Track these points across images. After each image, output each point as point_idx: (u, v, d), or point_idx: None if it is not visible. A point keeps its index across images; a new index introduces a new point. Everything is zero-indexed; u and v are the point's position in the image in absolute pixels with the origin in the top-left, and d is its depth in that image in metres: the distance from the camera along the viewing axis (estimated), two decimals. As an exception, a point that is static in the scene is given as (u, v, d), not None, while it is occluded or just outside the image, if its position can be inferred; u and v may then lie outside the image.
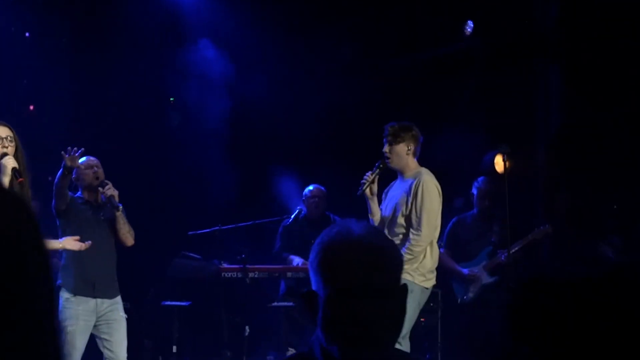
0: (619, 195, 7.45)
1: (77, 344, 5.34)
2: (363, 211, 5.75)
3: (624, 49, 7.25)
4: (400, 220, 5.57)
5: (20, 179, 4.62)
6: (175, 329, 7.14)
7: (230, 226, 7.43)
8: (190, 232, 7.41)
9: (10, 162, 4.70)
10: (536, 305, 1.09)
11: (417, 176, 5.58)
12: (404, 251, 5.39)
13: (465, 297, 6.91)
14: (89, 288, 5.45)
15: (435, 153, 6.31)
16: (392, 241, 1.90)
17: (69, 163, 5.17)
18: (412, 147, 5.61)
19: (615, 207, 7.47)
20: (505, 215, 6.09)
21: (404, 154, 5.61)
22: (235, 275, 7.09)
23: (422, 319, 6.67)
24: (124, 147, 7.98)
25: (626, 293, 1.07)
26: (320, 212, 7.50)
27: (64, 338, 5.24)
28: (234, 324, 7.35)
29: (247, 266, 7.04)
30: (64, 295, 5.42)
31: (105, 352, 5.51)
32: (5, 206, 0.89)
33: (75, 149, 5.18)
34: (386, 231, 5.52)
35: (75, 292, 5.40)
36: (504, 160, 6.12)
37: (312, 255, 1.77)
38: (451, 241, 7.04)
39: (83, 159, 5.47)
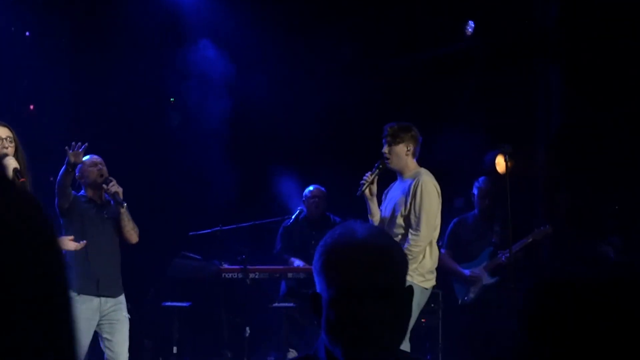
0: (619, 195, 7.45)
1: (80, 343, 5.31)
2: (363, 212, 5.74)
3: (624, 49, 7.25)
4: (399, 220, 5.56)
5: (22, 179, 4.62)
6: (176, 330, 7.13)
7: (230, 226, 7.43)
8: (191, 233, 7.41)
9: (11, 163, 4.69)
10: (552, 308, 1.10)
11: (416, 176, 5.57)
12: (403, 251, 5.38)
13: (466, 298, 6.90)
14: (92, 287, 5.42)
15: (436, 153, 6.31)
16: (397, 242, 1.89)
17: (72, 159, 5.13)
18: (411, 147, 5.60)
19: (615, 207, 7.46)
20: (506, 215, 6.09)
21: (403, 155, 5.60)
22: (235, 276, 7.08)
23: (423, 320, 6.67)
24: (124, 147, 7.96)
25: (626, 293, 1.08)
26: (321, 213, 7.50)
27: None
28: (235, 325, 7.35)
29: (248, 267, 7.03)
30: (68, 294, 5.41)
31: (106, 352, 5.50)
32: (16, 201, 0.88)
33: (79, 144, 5.14)
34: (386, 231, 5.52)
35: (79, 291, 5.36)
36: (505, 160, 6.11)
37: (315, 257, 1.77)
38: (452, 242, 7.03)
39: (87, 157, 5.45)
